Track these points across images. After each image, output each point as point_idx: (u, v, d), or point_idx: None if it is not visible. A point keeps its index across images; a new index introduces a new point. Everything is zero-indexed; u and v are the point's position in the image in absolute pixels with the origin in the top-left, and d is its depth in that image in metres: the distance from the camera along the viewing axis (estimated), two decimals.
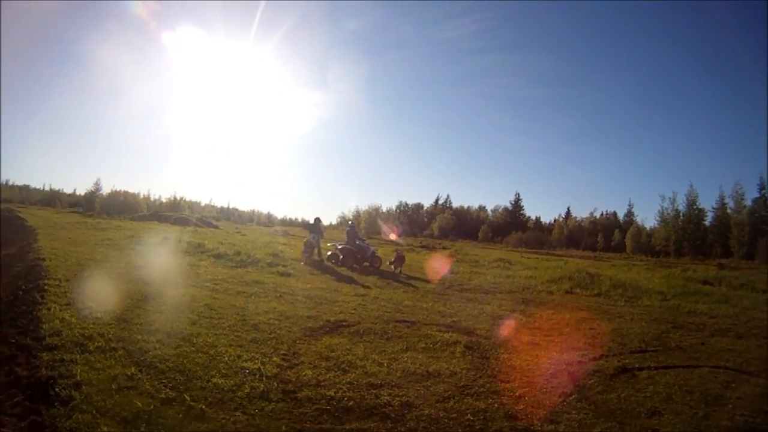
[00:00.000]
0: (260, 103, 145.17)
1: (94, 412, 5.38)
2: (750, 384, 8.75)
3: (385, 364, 8.25)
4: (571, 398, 7.48)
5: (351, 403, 6.46)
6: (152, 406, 5.63)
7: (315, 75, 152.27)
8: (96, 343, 7.74)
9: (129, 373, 6.65)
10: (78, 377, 6.30)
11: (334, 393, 6.73)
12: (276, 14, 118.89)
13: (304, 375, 7.36)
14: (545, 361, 9.29)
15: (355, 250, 24.03)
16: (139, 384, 6.33)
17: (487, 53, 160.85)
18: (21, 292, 11.09)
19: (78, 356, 7.14)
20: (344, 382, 7.22)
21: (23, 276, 13.15)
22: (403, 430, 5.89)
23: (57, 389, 5.88)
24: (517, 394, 7.46)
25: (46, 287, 11.50)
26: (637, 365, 9.48)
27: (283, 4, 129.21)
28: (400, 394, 6.97)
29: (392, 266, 23.81)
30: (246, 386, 6.65)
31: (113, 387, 6.12)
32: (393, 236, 22.38)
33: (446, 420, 6.26)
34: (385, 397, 6.77)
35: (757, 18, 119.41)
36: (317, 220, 26.20)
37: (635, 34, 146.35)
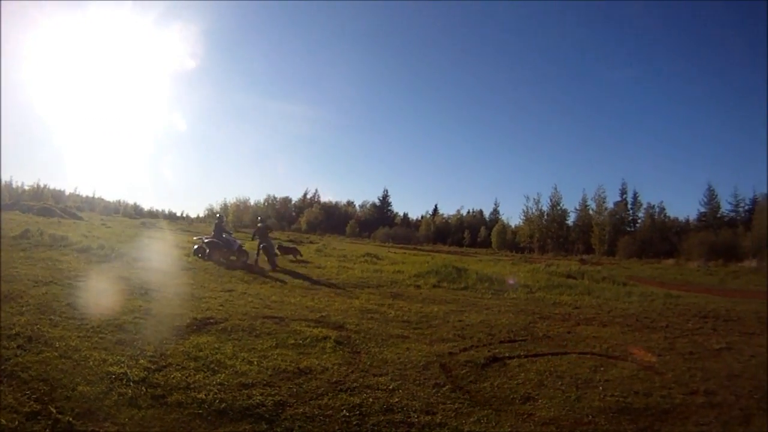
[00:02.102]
0: (122, 88, 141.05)
1: None
2: (617, 367, 9.34)
3: (255, 363, 8.16)
4: (445, 389, 7.67)
5: (223, 405, 6.35)
6: (17, 422, 5.35)
7: (182, 61, 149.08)
8: None
9: None
10: None
11: (205, 395, 6.59)
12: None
13: (173, 378, 7.16)
14: (416, 353, 9.49)
15: (221, 244, 23.71)
16: (2, 397, 5.99)
17: (348, 46, 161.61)
18: None
19: None
20: (214, 383, 7.08)
21: None
22: (278, 430, 5.85)
23: None
24: (390, 387, 7.56)
25: None
26: (507, 354, 9.87)
27: None
28: (273, 393, 6.92)
29: (293, 255, 26.93)
30: (113, 393, 6.41)
31: None
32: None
33: (322, 417, 6.27)
34: (258, 397, 6.70)
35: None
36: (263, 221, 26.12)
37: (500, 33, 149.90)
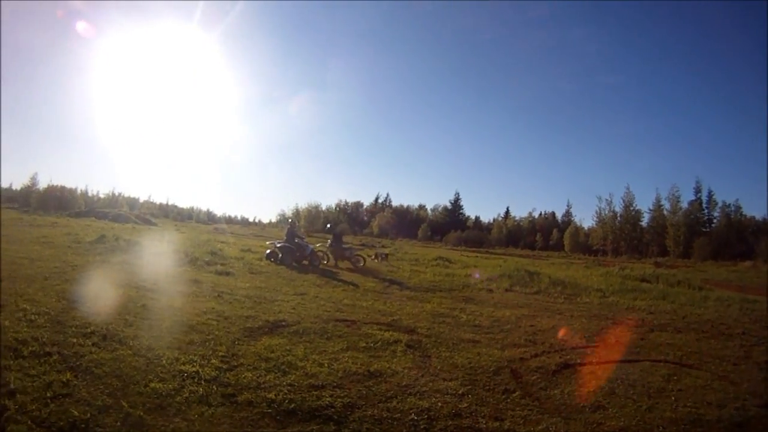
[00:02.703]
0: (197, 99, 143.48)
1: (28, 422, 5.20)
2: (691, 376, 9.01)
3: (326, 365, 8.14)
4: (514, 395, 7.52)
5: (292, 405, 6.35)
6: (89, 415, 5.44)
7: (251, 70, 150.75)
8: (30, 348, 7.46)
9: (64, 380, 6.43)
10: (12, 385, 6.07)
11: (275, 395, 6.61)
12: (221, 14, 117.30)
13: (244, 377, 7.22)
14: (487, 358, 9.34)
15: (294, 249, 23.92)
16: (75, 391, 6.12)
17: (423, 50, 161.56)
18: None
19: (12, 362, 6.88)
20: (285, 383, 7.10)
21: None
22: (346, 431, 5.83)
23: None
24: (460, 392, 7.45)
25: None
26: (579, 361, 9.62)
27: None
28: (342, 395, 6.89)
29: (377, 259, 27.00)
30: (185, 390, 6.50)
31: (48, 395, 5.90)
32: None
33: (390, 420, 6.22)
34: (327, 399, 6.68)
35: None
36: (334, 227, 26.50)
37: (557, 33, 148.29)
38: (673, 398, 7.76)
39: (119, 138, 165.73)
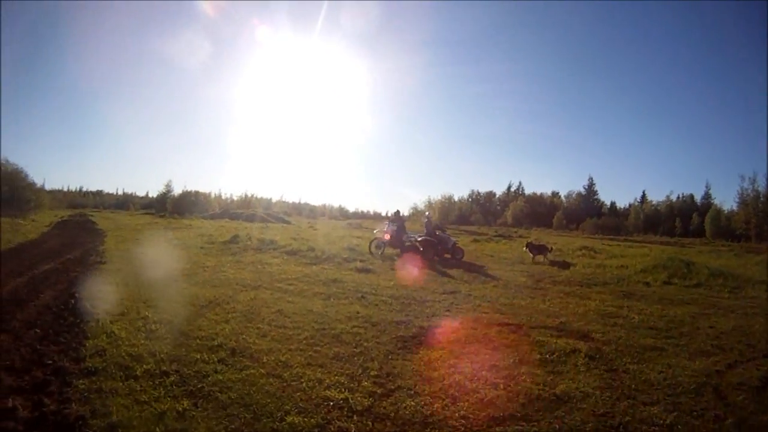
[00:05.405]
0: (330, 98, 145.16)
1: None
2: None
3: (502, 386, 6.64)
4: (727, 423, 5.92)
5: None
6: None
7: (383, 69, 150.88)
8: (144, 366, 6.48)
9: (181, 409, 5.29)
10: (114, 416, 4.98)
11: None
12: (347, 12, 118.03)
13: (405, 407, 5.78)
14: (680, 371, 7.79)
15: (435, 242, 22.85)
16: (193, 425, 4.95)
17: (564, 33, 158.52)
18: (73, 301, 10.07)
19: (120, 384, 5.87)
20: (457, 415, 5.63)
21: (80, 282, 12.26)
22: None
23: None
24: (667, 421, 5.87)
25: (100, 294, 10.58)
26: None
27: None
28: (532, 430, 5.40)
29: (537, 257, 24.49)
30: (331, 427, 5.14)
31: (158, 430, 4.75)
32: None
33: None
34: None
35: None
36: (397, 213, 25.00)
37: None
38: None
39: (253, 142, 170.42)
